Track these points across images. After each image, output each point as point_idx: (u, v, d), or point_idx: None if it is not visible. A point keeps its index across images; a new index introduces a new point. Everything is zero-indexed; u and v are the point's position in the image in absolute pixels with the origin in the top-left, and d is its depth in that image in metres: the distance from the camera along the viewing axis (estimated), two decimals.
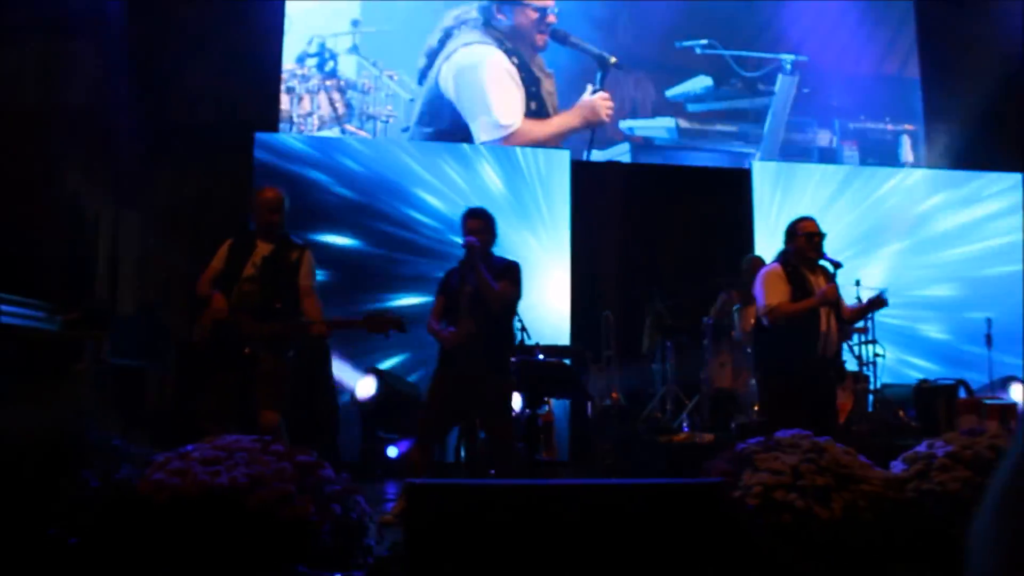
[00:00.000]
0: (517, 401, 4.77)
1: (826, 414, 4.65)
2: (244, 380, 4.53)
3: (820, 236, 4.81)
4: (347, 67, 8.32)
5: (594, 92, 8.43)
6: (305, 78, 8.28)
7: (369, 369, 6.81)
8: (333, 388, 6.89)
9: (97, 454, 2.88)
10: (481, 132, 8.20)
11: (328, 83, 8.29)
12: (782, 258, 4.89)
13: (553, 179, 7.93)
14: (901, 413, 6.56)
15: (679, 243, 8.33)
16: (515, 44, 8.35)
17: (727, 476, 3.18)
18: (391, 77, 8.26)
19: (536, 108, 8.35)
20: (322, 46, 8.28)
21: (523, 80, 8.32)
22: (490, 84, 8.26)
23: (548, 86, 8.38)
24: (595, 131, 8.43)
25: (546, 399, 4.35)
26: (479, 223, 4.73)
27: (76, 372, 5.90)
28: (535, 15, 8.44)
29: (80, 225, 7.73)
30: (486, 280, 4.51)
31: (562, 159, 8.02)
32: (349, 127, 8.24)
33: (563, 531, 2.93)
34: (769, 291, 4.74)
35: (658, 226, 8.34)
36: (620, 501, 2.99)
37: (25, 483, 2.80)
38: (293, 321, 4.61)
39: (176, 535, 2.66)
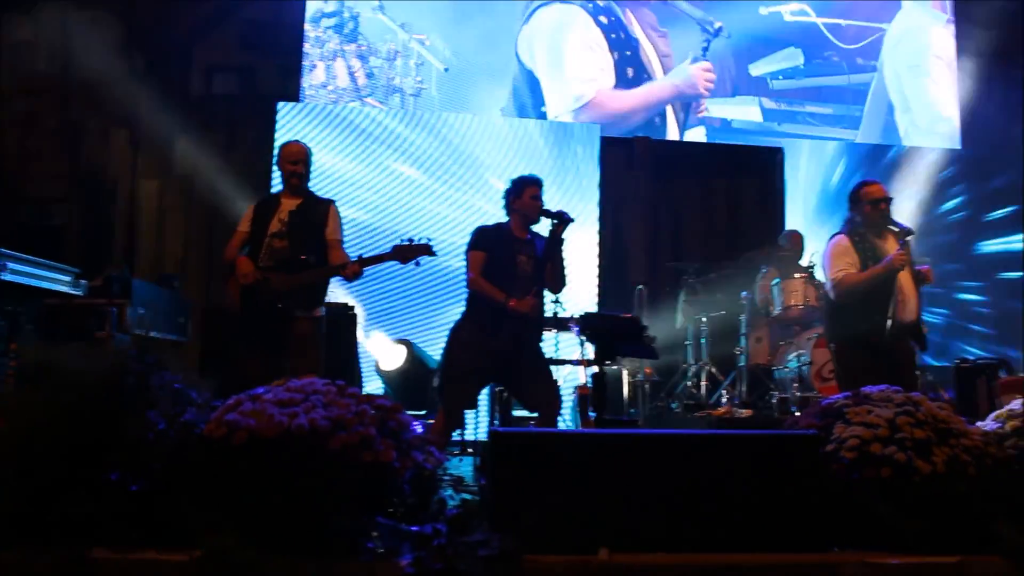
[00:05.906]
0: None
1: (905, 383, 4.43)
2: (280, 342, 4.39)
3: (886, 202, 4.48)
4: (370, 30, 7.30)
5: (694, 62, 7.46)
6: (320, 41, 7.27)
7: (399, 340, 6.62)
8: (358, 357, 6.72)
9: (161, 396, 2.72)
10: (552, 104, 7.32)
11: (347, 48, 7.30)
12: (848, 227, 4.55)
13: (582, 151, 7.73)
14: (941, 391, 6.40)
15: (708, 218, 8.18)
16: (610, 1, 7.29)
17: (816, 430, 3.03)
18: (421, 42, 7.38)
19: (634, 75, 7.28)
20: (341, 3, 7.32)
21: (614, 45, 7.28)
22: (565, 51, 7.24)
23: (661, 46, 7.27)
24: (689, 106, 7.47)
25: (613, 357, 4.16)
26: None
27: (99, 340, 5.76)
28: None
29: (100, 194, 7.56)
30: (562, 259, 4.33)
31: (592, 132, 7.84)
32: (370, 101, 7.34)
33: (652, 481, 2.79)
34: (834, 263, 4.47)
35: (687, 201, 8.18)
36: (713, 451, 2.85)
37: (85, 424, 2.63)
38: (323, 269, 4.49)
39: (253, 478, 2.49)
